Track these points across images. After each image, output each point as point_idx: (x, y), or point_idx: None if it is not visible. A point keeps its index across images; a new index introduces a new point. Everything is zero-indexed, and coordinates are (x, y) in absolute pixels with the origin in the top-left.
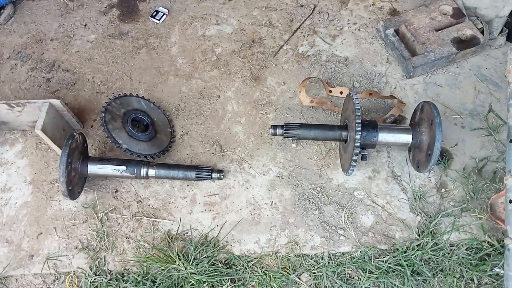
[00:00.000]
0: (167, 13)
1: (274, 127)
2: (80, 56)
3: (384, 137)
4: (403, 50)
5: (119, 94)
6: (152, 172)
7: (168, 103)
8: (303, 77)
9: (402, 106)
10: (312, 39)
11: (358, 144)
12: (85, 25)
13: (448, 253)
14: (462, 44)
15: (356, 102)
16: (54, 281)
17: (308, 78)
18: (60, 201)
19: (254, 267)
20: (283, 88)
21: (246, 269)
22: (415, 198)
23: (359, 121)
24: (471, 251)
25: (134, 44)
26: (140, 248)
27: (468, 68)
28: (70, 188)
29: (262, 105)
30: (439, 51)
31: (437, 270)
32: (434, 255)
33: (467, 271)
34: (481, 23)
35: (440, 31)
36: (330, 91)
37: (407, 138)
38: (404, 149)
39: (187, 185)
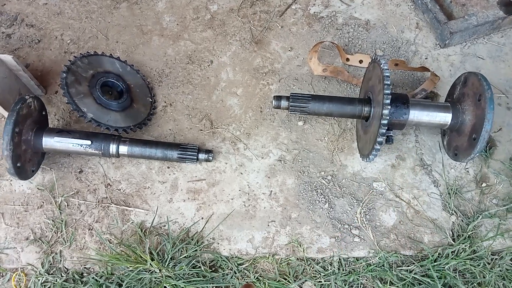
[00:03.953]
0: None
1: (278, 98)
2: (48, 9)
3: (416, 115)
4: (437, 12)
5: (88, 52)
6: (123, 149)
7: (150, 68)
8: (314, 42)
9: (436, 80)
10: None
11: (385, 122)
12: None
13: (489, 264)
14: (511, 7)
15: (385, 68)
16: None
17: (321, 43)
18: (11, 181)
19: (246, 271)
20: (289, 54)
21: (235, 273)
22: (449, 194)
23: (389, 91)
24: None
25: None
26: (105, 242)
27: None
28: (18, 165)
29: (264, 74)
30: (482, 14)
31: (475, 284)
32: (471, 265)
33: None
34: None
35: None
36: (347, 59)
37: (446, 117)
38: (436, 132)
39: (168, 167)
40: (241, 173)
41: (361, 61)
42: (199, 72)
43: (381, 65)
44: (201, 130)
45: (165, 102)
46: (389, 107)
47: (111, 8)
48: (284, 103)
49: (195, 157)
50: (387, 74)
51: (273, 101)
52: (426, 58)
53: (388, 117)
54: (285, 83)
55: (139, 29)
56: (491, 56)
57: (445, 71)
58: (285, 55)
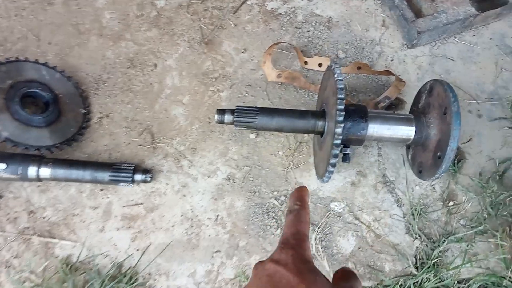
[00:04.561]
0: None
1: (221, 111)
2: None
3: (376, 129)
4: (405, 9)
5: (6, 58)
6: (45, 172)
7: (85, 73)
8: (270, 42)
9: (400, 86)
10: None
11: (338, 142)
12: None
13: None
14: (484, 3)
15: (339, 79)
16: None
17: (276, 44)
18: None
19: None
20: (243, 56)
21: None
22: (413, 214)
23: (342, 107)
24: None
25: None
26: (24, 282)
27: (488, 36)
28: None
29: (214, 79)
30: (453, 11)
31: None
32: None
33: None
34: None
35: None
36: (306, 63)
37: (408, 132)
38: (401, 144)
39: (101, 190)
40: (184, 195)
41: (320, 65)
42: (141, 77)
43: (335, 75)
44: (140, 145)
45: (101, 113)
46: (342, 125)
47: (45, 4)
48: (228, 118)
49: (130, 178)
50: (340, 86)
51: (215, 115)
52: (392, 60)
53: (341, 137)
54: (237, 90)
55: (76, 28)
56: (462, 57)
57: (412, 74)
58: (238, 57)
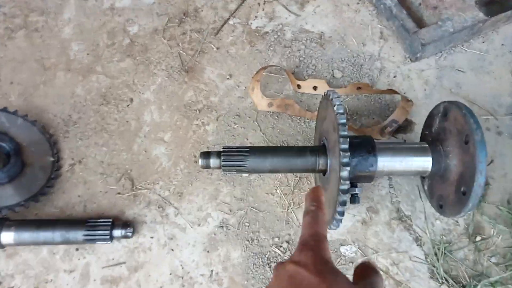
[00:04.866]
0: None
1: (206, 155)
2: None
3: (386, 164)
4: (405, 18)
5: None
6: (8, 237)
7: (53, 115)
8: (257, 65)
9: (408, 107)
10: (271, 7)
11: (345, 187)
12: None
13: None
14: (493, 6)
15: (339, 112)
16: None
17: (264, 68)
18: None
19: None
20: (228, 83)
21: None
22: (436, 255)
23: (346, 146)
24: None
25: (7, 25)
26: None
27: (500, 42)
28: None
29: (197, 111)
30: (459, 18)
31: None
32: None
33: None
34: None
35: None
36: (299, 86)
37: (424, 163)
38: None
39: (77, 249)
40: (172, 250)
41: (315, 88)
42: (116, 114)
43: (335, 107)
44: (119, 193)
45: (73, 159)
46: (348, 168)
47: (5, 38)
48: (214, 162)
49: (108, 235)
50: (342, 121)
51: (199, 159)
52: (395, 76)
53: (348, 182)
54: (225, 122)
55: (40, 63)
56: (473, 67)
57: (419, 91)
58: (223, 84)
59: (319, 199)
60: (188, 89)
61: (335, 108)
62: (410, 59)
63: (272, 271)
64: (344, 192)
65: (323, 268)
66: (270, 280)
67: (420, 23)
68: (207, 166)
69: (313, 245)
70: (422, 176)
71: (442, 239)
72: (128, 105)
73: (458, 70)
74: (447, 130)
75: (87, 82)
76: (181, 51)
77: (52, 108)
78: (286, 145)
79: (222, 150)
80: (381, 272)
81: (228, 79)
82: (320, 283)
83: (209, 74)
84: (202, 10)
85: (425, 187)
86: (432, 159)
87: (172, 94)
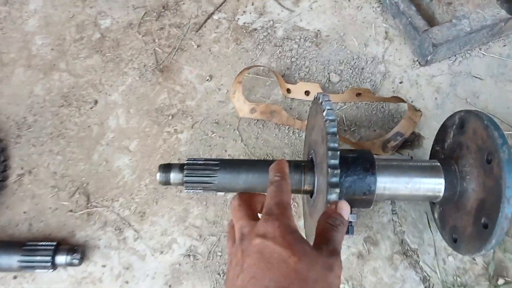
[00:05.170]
0: None
1: (166, 168)
2: None
3: (388, 185)
4: (414, 16)
5: None
6: None
7: (6, 117)
8: (243, 65)
9: (416, 117)
10: (262, 2)
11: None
12: None
13: None
14: None
15: (329, 118)
16: None
17: (249, 68)
18: None
19: None
20: (208, 85)
21: None
22: None
23: (336, 162)
24: None
25: None
26: None
27: None
28: None
29: (171, 117)
30: (477, 16)
31: None
32: None
33: None
34: None
35: None
36: (289, 91)
37: (435, 186)
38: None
39: (14, 277)
40: (127, 282)
41: (307, 93)
42: (77, 118)
43: (324, 113)
44: (71, 211)
45: (22, 168)
46: (338, 189)
47: None
48: (175, 177)
49: (49, 262)
50: (332, 130)
51: (157, 173)
52: (401, 82)
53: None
54: (201, 130)
55: None
56: (492, 74)
57: (429, 100)
58: (201, 87)
59: (283, 170)
60: (161, 91)
61: (324, 113)
62: (419, 62)
63: (229, 247)
64: None
65: (291, 238)
66: (231, 256)
67: (431, 21)
68: (167, 182)
69: (278, 214)
70: (433, 202)
71: (455, 281)
72: (91, 108)
73: (475, 77)
74: (464, 146)
75: (48, 81)
76: (157, 48)
77: (5, 109)
78: (271, 158)
79: (185, 162)
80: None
81: (208, 81)
82: (291, 255)
83: (187, 74)
84: (183, 3)
85: (436, 215)
86: (445, 181)
87: (143, 96)
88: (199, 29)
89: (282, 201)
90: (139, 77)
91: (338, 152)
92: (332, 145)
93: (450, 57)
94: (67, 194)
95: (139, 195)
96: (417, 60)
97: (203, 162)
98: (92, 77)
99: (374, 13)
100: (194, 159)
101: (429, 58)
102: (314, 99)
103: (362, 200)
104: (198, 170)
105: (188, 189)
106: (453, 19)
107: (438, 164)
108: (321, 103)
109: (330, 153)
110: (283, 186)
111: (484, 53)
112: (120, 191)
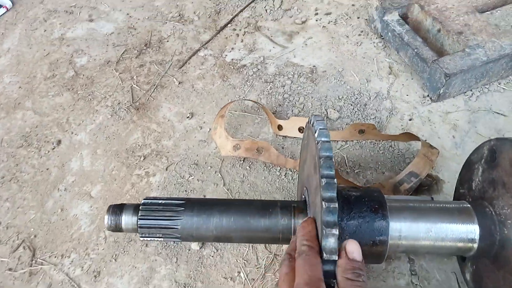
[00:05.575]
0: (9, 6)
1: (115, 210)
2: None
3: (404, 233)
4: (420, 46)
5: None
6: None
7: None
8: (229, 101)
9: (433, 155)
10: (252, 39)
11: (331, 267)
12: None
13: None
14: None
15: (323, 139)
16: None
17: (233, 102)
18: None
19: None
20: (188, 123)
21: None
22: None
23: (332, 193)
24: None
25: None
26: None
27: None
28: None
29: (142, 158)
30: (493, 45)
31: None
32: None
33: None
34: None
35: (489, 13)
36: (280, 127)
37: (468, 234)
38: (450, 255)
39: None
40: None
41: (301, 130)
42: (36, 160)
43: (316, 133)
44: (11, 269)
45: None
46: (336, 231)
47: None
48: (128, 220)
49: None
50: (326, 154)
51: (105, 216)
52: (410, 119)
53: (335, 256)
54: (177, 172)
55: None
56: None
57: (445, 139)
58: (181, 125)
59: (311, 235)
60: (135, 130)
61: (316, 135)
62: (431, 97)
63: None
64: (330, 275)
65: None
66: None
67: (440, 53)
68: (117, 227)
69: None
70: (463, 257)
71: None
72: (53, 149)
73: (496, 112)
74: (499, 183)
75: (9, 120)
76: (134, 85)
77: None
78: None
79: (142, 202)
80: None
81: (189, 118)
82: None
83: (165, 112)
84: (167, 41)
85: (468, 276)
86: (480, 227)
87: (113, 135)
88: (182, 65)
89: (312, 277)
90: (111, 115)
91: (335, 180)
92: (326, 172)
93: (465, 92)
94: (9, 248)
95: (96, 250)
96: (428, 95)
97: (163, 202)
98: (59, 115)
99: (375, 48)
100: (154, 198)
101: (441, 91)
102: (306, 125)
103: (371, 252)
104: (156, 212)
105: (144, 236)
106: (466, 48)
107: (469, 205)
108: (312, 123)
109: (324, 181)
110: (312, 259)
111: (504, 87)
112: (74, 245)
